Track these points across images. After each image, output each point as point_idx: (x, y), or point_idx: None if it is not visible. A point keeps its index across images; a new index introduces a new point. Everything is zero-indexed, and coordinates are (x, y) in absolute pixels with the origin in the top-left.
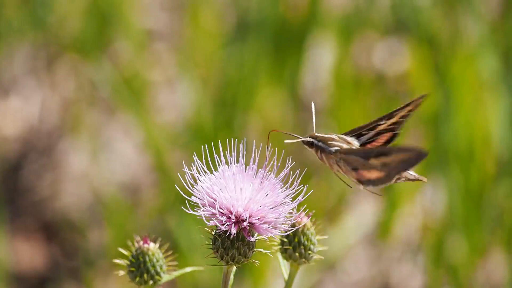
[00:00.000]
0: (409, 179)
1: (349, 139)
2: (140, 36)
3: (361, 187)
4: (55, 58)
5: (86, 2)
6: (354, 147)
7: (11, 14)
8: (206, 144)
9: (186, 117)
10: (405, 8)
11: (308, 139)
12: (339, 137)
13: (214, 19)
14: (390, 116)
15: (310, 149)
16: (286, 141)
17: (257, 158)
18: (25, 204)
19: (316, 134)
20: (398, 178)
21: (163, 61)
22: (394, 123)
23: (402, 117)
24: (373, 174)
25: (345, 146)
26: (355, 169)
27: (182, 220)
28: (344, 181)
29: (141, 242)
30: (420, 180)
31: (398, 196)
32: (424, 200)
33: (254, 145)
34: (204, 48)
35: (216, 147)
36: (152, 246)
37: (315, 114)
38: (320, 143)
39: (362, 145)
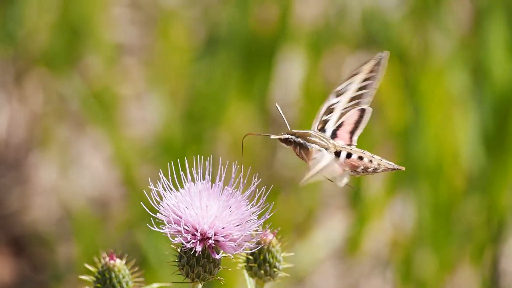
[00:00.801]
0: (388, 168)
1: (322, 134)
2: (110, 50)
3: (342, 181)
4: (24, 72)
5: (55, 16)
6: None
7: None
8: (173, 161)
9: (156, 131)
10: (375, 23)
11: (286, 136)
12: (315, 132)
13: (184, 33)
14: (337, 94)
15: (287, 146)
16: (272, 136)
17: (223, 175)
18: None
19: (293, 130)
20: (377, 169)
21: (133, 75)
22: (353, 98)
23: (362, 88)
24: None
25: (323, 142)
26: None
27: (150, 235)
28: (327, 178)
29: (107, 259)
30: (399, 169)
31: (367, 211)
32: (393, 215)
33: (221, 162)
34: (174, 62)
35: (183, 164)
36: (118, 263)
37: (284, 127)
38: (298, 139)
39: (333, 133)
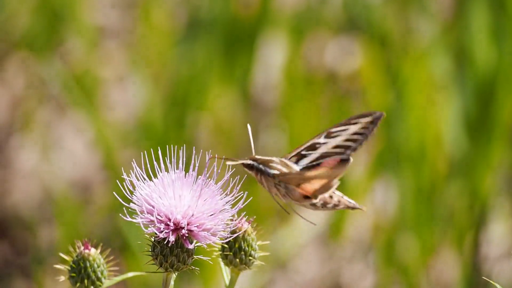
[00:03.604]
0: (348, 207)
1: (288, 162)
2: (91, 34)
3: (302, 207)
4: (5, 56)
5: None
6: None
7: None
8: (154, 145)
9: (137, 115)
10: (357, 7)
11: (248, 161)
12: (280, 160)
13: (165, 16)
14: (328, 134)
15: (250, 172)
16: (228, 162)
17: (197, 164)
18: None
19: (256, 156)
20: (337, 205)
21: (114, 58)
22: (339, 146)
23: (349, 140)
24: (316, 184)
25: (284, 169)
26: (297, 186)
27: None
28: (281, 206)
29: (82, 248)
30: (359, 208)
31: (350, 196)
32: (375, 199)
33: (194, 150)
34: (156, 46)
35: (156, 153)
36: (93, 252)
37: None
38: (260, 166)
39: (303, 169)
